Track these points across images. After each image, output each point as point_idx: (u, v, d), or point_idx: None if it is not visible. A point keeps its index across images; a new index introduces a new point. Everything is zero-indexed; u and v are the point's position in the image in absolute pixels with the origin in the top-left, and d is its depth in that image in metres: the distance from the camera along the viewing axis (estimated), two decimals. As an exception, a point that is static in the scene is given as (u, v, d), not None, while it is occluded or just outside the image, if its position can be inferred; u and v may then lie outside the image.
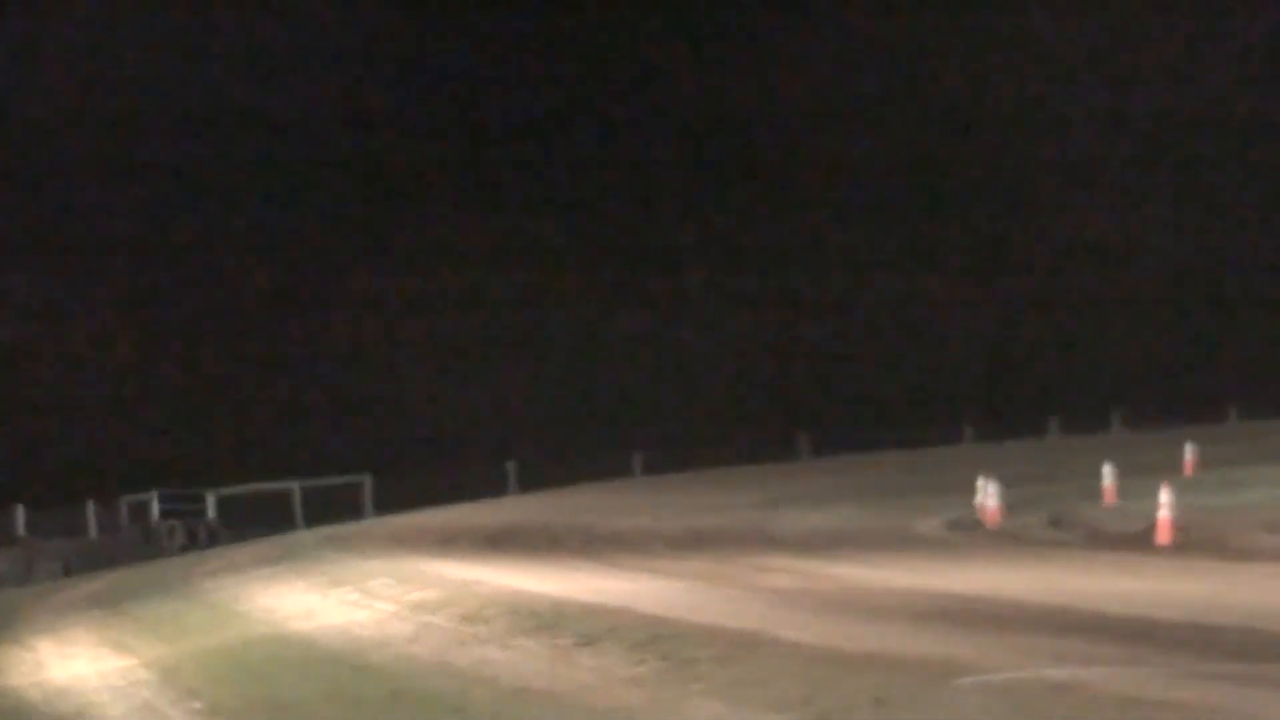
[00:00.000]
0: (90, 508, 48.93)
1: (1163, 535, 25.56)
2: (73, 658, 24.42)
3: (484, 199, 70.84)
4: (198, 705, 18.12)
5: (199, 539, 47.38)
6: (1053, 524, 30.78)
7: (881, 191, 73.56)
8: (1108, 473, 33.65)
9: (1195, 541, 25.22)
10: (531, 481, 54.15)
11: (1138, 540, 26.22)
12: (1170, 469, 37.07)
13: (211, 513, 49.28)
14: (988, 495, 31.49)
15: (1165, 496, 25.94)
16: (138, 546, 46.78)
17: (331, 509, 49.96)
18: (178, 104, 65.30)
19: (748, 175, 73.18)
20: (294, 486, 52.47)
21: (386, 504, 50.81)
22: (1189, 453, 40.33)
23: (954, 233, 74.08)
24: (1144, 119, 73.73)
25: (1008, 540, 28.67)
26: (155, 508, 48.56)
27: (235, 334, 67.88)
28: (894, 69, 72.99)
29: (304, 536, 41.73)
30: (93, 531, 48.49)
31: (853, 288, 73.44)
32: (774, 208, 73.48)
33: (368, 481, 53.48)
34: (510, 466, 55.86)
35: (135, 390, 64.46)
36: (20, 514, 47.54)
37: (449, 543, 34.25)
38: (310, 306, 68.78)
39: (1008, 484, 33.14)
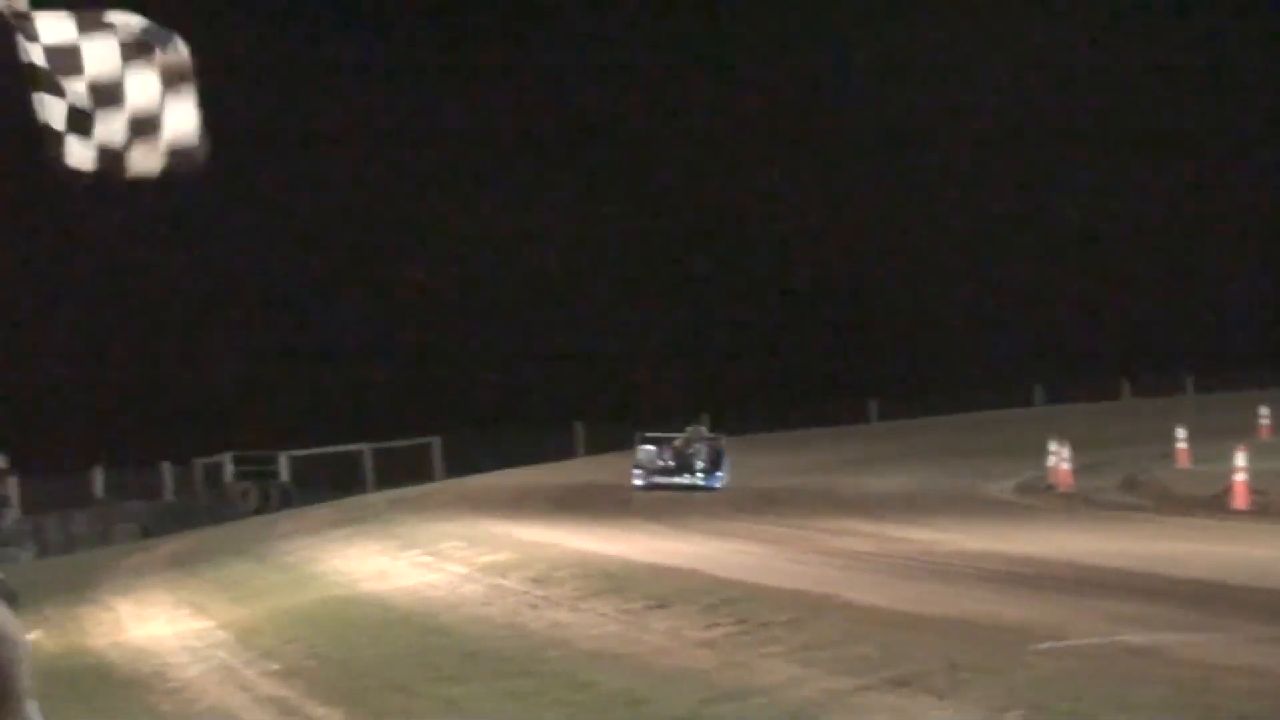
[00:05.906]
0: (166, 469, 49.25)
1: (1238, 499, 25.40)
2: (150, 619, 24.55)
3: (547, 163, 70.87)
4: (274, 666, 18.19)
5: (272, 501, 47.64)
6: (1126, 487, 30.63)
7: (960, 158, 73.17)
8: (1181, 435, 33.40)
9: (1272, 506, 25.04)
10: (598, 443, 54.14)
11: (1212, 504, 26.07)
12: (1245, 432, 36.83)
13: (284, 475, 49.54)
14: (1060, 458, 31.33)
15: (1240, 460, 25.75)
16: (212, 508, 47.09)
17: (401, 471, 50.14)
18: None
19: (799, 141, 72.82)
20: (364, 449, 52.73)
21: (455, 466, 50.94)
22: (1264, 416, 40.00)
23: (1014, 197, 73.69)
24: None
25: (1080, 503, 28.55)
26: (229, 469, 48.84)
27: (306, 300, 68.16)
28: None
29: (374, 499, 41.86)
30: (169, 493, 48.82)
31: (923, 252, 73.15)
32: (851, 179, 73.17)
33: (436, 443, 53.65)
34: (578, 428, 55.91)
35: (210, 354, 64.82)
36: (99, 476, 47.96)
37: (518, 505, 34.31)
38: (376, 272, 69.01)
39: (1079, 447, 32.97)
